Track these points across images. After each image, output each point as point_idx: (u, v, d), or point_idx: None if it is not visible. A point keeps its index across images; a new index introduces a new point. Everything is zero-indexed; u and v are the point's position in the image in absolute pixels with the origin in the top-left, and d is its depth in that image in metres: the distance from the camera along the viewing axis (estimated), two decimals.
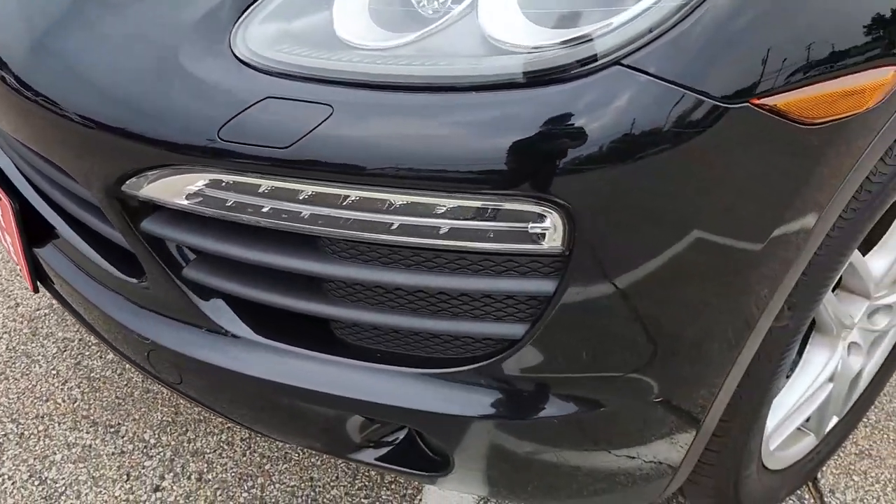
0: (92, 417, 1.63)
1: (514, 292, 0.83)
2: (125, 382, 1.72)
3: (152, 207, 0.93)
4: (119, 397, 1.68)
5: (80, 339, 1.84)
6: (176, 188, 0.87)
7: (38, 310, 1.91)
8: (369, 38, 0.82)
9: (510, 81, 0.76)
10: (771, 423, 1.24)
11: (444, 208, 0.79)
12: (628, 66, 0.73)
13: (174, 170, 0.85)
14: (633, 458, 1.01)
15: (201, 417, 1.64)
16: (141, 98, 0.85)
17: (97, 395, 1.69)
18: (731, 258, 0.84)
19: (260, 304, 0.94)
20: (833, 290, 1.28)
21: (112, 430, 1.60)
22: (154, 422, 1.62)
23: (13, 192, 1.18)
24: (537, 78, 0.75)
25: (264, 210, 0.85)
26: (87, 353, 1.79)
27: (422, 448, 1.00)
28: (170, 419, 1.63)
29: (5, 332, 1.83)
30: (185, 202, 0.88)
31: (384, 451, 1.01)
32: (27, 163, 1.17)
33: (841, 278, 1.27)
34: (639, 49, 0.73)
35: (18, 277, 2.01)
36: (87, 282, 1.12)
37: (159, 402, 1.67)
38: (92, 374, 1.74)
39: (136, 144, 0.85)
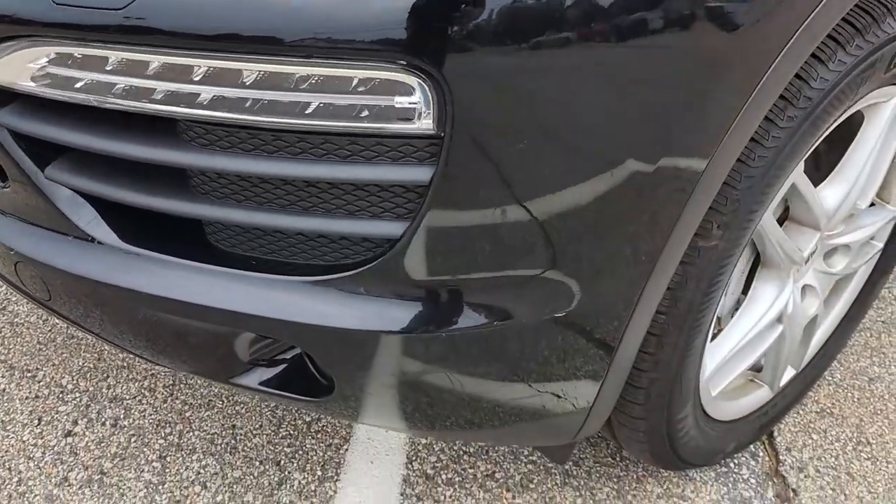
0: (10, 362, 1.54)
1: (387, 181, 0.74)
2: (49, 329, 1.63)
3: (7, 98, 0.84)
4: (41, 342, 1.60)
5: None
6: (20, 68, 0.78)
7: None
8: None
9: None
10: (710, 362, 1.15)
11: (307, 81, 0.70)
12: None
13: (11, 46, 0.76)
14: (539, 387, 0.91)
15: (125, 364, 1.55)
16: None
17: (18, 339, 1.60)
18: (630, 156, 0.75)
19: (127, 207, 0.85)
20: (782, 224, 1.19)
21: (29, 374, 1.52)
22: (74, 367, 1.53)
23: None
24: None
25: (117, 89, 0.76)
26: (14, 300, 1.71)
27: (310, 371, 0.91)
28: (91, 365, 1.54)
29: None
30: (32, 85, 0.79)
31: (270, 374, 0.92)
32: None
33: (788, 209, 1.17)
34: None
35: None
36: None
37: (82, 348, 1.58)
38: (16, 320, 1.65)
39: None
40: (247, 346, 0.91)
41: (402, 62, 0.66)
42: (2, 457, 1.35)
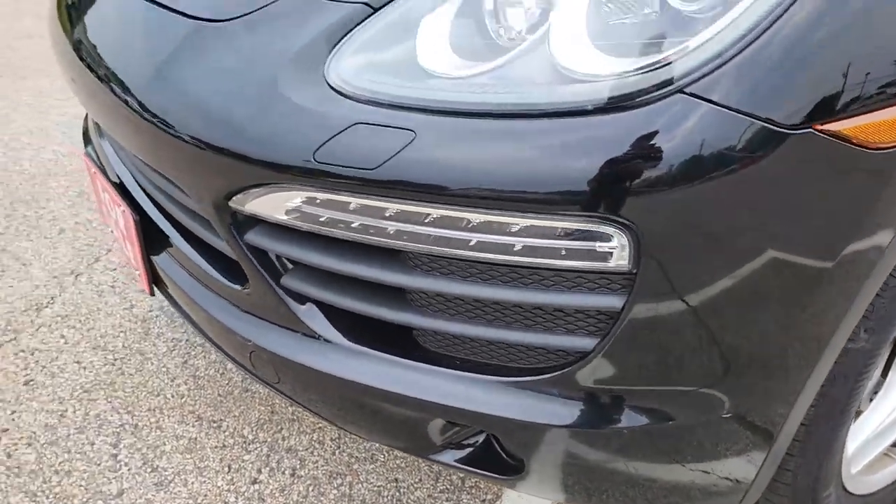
0: (197, 412, 1.76)
1: (584, 307, 0.88)
2: (226, 381, 1.85)
3: (256, 221, 1.03)
4: (221, 395, 1.81)
5: (186, 340, 1.98)
6: (276, 204, 0.97)
7: (150, 311, 2.08)
8: (449, 68, 0.89)
9: (579, 108, 0.81)
10: (852, 444, 1.23)
11: (518, 227, 0.84)
12: (691, 94, 0.77)
13: (275, 188, 0.95)
14: (705, 472, 1.03)
15: (294, 417, 1.74)
16: (246, 122, 0.95)
17: (202, 392, 1.82)
18: (800, 277, 0.86)
19: (350, 311, 1.03)
20: None
21: (215, 424, 1.73)
22: (252, 419, 1.74)
23: (134, 205, 1.32)
24: (605, 105, 0.80)
25: (354, 225, 0.93)
26: (193, 353, 1.94)
27: (499, 452, 1.05)
28: (266, 417, 1.74)
29: (122, 331, 2.00)
30: (284, 217, 0.97)
31: (463, 453, 1.07)
32: (145, 177, 1.30)
33: None
34: (702, 77, 0.77)
35: (133, 281, 2.19)
36: (196, 286, 1.23)
37: (256, 400, 1.79)
38: (197, 373, 1.88)
39: (242, 164, 0.94)
40: (440, 430, 1.06)
41: (604, 217, 0.80)
42: (203, 500, 1.55)
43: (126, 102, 1.08)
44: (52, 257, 2.29)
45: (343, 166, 0.88)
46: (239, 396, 1.80)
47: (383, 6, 0.92)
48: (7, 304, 2.10)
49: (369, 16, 0.93)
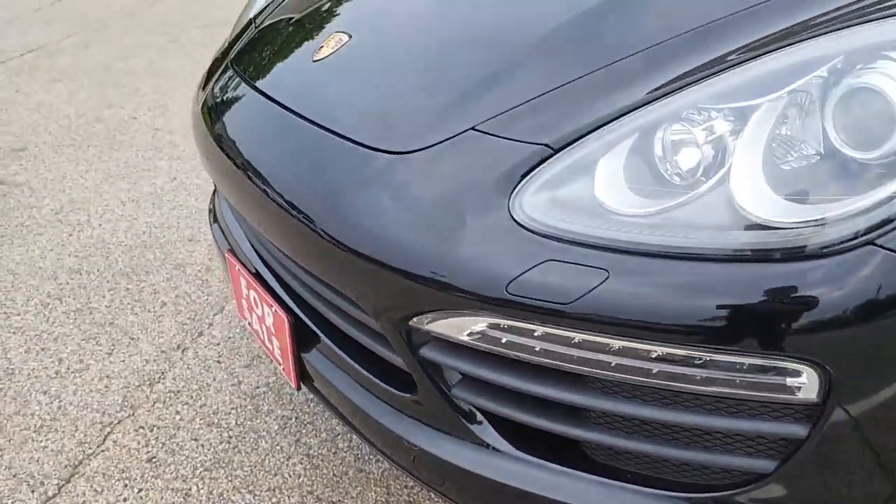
0: (316, 493, 1.82)
1: (767, 434, 0.93)
2: (339, 461, 1.91)
3: (432, 336, 1.10)
4: (336, 475, 1.87)
5: (296, 418, 2.06)
6: (459, 327, 1.04)
7: (257, 388, 2.16)
8: (629, 207, 0.97)
9: (766, 254, 0.88)
10: None
11: (704, 360, 0.91)
12: (881, 246, 0.83)
13: (462, 313, 1.02)
14: None
15: (411, 499, 1.80)
16: (435, 251, 1.03)
17: (317, 471, 1.89)
18: None
19: (520, 422, 1.09)
20: None
21: None
22: (370, 500, 1.79)
23: (286, 307, 1.40)
24: (793, 253, 0.86)
25: (536, 349, 1.00)
26: (305, 432, 2.01)
27: None
28: (383, 499, 1.80)
29: (233, 408, 2.08)
30: (466, 338, 1.04)
31: None
32: (297, 278, 1.38)
33: None
34: (889, 231, 0.84)
35: (237, 355, 2.28)
36: (353, 387, 1.30)
37: (372, 482, 1.85)
38: (311, 452, 1.94)
39: (433, 291, 1.02)
40: None
41: (794, 357, 0.86)
42: None
43: (303, 222, 1.16)
44: (157, 331, 2.39)
45: (536, 299, 0.95)
46: (354, 477, 1.86)
47: (563, 148, 1.01)
48: (122, 378, 2.19)
49: (550, 156, 1.01)
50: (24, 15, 6.49)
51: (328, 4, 1.59)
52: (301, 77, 1.36)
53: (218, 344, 2.33)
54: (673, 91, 0.98)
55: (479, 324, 1.02)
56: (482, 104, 1.10)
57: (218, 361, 2.26)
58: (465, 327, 1.03)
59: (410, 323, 1.08)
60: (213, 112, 1.53)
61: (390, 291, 1.08)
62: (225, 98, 1.51)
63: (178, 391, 2.14)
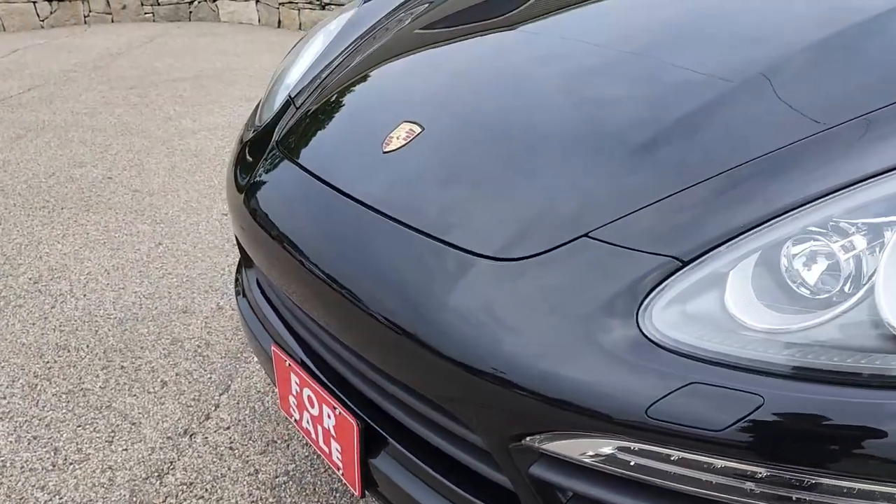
0: None
1: None
2: None
3: (542, 453, 1.04)
4: None
5: None
6: (580, 448, 0.98)
7: (276, 477, 2.04)
8: (766, 322, 0.93)
9: None
10: None
11: (857, 491, 0.87)
12: None
13: (586, 434, 0.96)
14: None
15: None
16: (562, 369, 0.96)
17: None
18: None
19: None
20: None
21: None
22: None
23: (354, 413, 1.32)
24: None
25: (670, 473, 0.94)
26: None
27: None
28: None
29: (252, 501, 1.96)
30: (588, 460, 0.98)
31: None
32: (377, 387, 1.30)
33: None
34: None
35: (250, 440, 2.15)
36: (430, 494, 1.21)
37: None
38: None
39: (556, 411, 0.96)
40: None
41: None
42: None
43: (397, 331, 1.09)
44: (161, 415, 2.25)
45: (682, 425, 0.90)
46: None
47: (692, 260, 0.97)
48: (126, 470, 2.05)
49: (679, 269, 0.97)
50: None
51: (385, 87, 1.54)
52: (373, 170, 1.30)
53: (228, 428, 2.20)
54: (804, 203, 0.96)
55: (607, 446, 0.96)
56: (592, 208, 1.06)
57: (230, 448, 2.13)
58: (587, 448, 0.97)
59: (522, 442, 1.01)
60: (262, 201, 1.45)
61: (502, 409, 1.01)
62: (277, 186, 1.44)
63: (192, 483, 2.00)
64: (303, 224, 1.33)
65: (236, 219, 1.56)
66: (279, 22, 7.91)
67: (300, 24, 7.75)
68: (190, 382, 2.40)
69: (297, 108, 1.67)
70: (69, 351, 2.54)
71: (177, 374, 2.43)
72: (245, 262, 1.79)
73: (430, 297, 1.08)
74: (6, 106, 5.25)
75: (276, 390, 1.59)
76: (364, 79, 1.60)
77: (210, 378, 2.41)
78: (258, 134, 1.71)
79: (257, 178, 1.52)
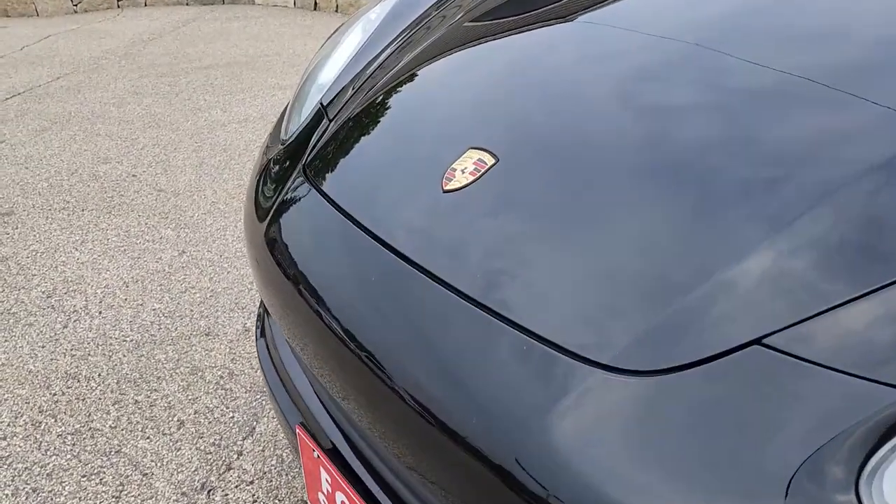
0: None
1: None
2: None
3: None
4: None
5: None
6: None
7: None
8: None
9: None
10: None
11: None
12: None
13: None
14: None
15: None
16: None
17: None
18: None
19: None
20: None
21: None
22: None
23: None
24: None
25: None
26: None
27: None
28: None
29: None
30: None
31: None
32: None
33: None
34: None
35: (276, 499, 1.86)
36: None
37: None
38: None
39: None
40: None
41: None
42: None
43: (474, 453, 0.78)
44: (176, 463, 1.97)
45: None
46: None
47: None
48: None
49: None
50: (8, 54, 6.08)
51: (441, 99, 1.19)
52: (431, 217, 0.97)
53: (251, 482, 1.91)
54: None
55: None
56: (761, 304, 0.71)
57: None
58: None
59: None
60: (286, 241, 1.14)
61: None
62: (305, 226, 1.13)
63: None
64: (332, 282, 1.02)
65: (252, 250, 1.25)
66: (315, 4, 7.59)
67: (337, 6, 7.42)
68: (210, 423, 2.11)
69: (331, 121, 1.34)
70: (79, 381, 2.28)
71: (196, 412, 2.15)
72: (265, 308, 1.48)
73: (524, 420, 0.74)
74: (33, 96, 5.03)
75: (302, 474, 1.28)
76: (413, 86, 1.25)
77: (233, 418, 2.12)
78: (284, 150, 1.39)
79: (280, 209, 1.20)
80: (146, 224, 3.25)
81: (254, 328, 2.50)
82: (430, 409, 0.82)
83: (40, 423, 2.12)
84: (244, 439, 2.05)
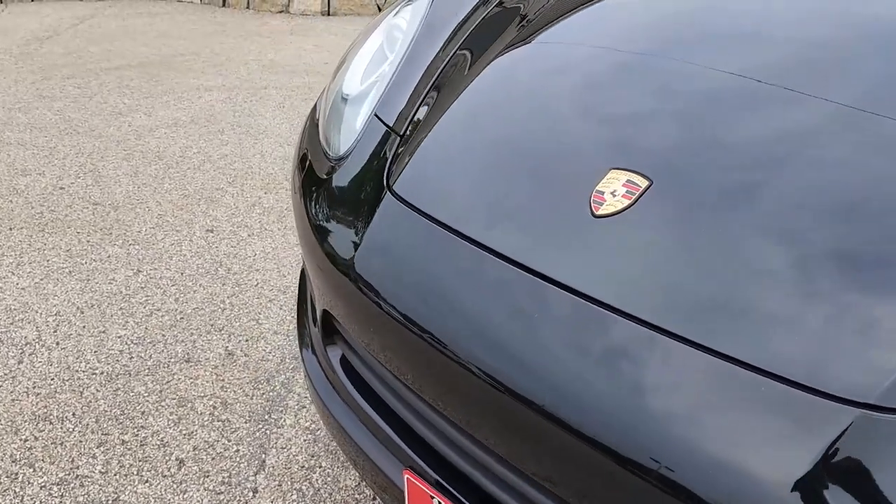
0: None
1: None
2: None
3: None
4: None
5: None
6: None
7: None
8: None
9: None
10: None
11: None
12: None
13: None
14: None
15: None
16: None
17: None
18: None
19: None
20: None
21: None
22: None
23: None
24: None
25: None
26: None
27: None
28: None
29: None
30: None
31: None
32: None
33: None
34: None
35: None
36: None
37: None
38: None
39: None
40: None
41: None
42: None
43: None
44: None
45: None
46: None
47: None
48: None
49: None
50: None
51: (553, 111, 1.11)
52: (587, 243, 0.90)
53: None
54: None
55: None
56: None
57: None
58: None
59: None
60: (396, 274, 1.04)
61: None
62: (418, 254, 1.03)
63: None
64: (476, 318, 0.93)
65: (342, 285, 1.14)
66: (224, 0, 7.25)
67: (248, 2, 7.13)
68: (213, 459, 1.95)
69: (402, 135, 1.24)
70: (51, 423, 2.05)
71: (194, 449, 1.98)
72: (324, 333, 1.36)
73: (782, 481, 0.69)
74: None
75: None
76: (511, 97, 1.17)
77: (237, 451, 1.97)
78: (343, 169, 1.28)
79: (376, 238, 1.10)
80: (88, 241, 2.98)
81: (238, 350, 2.34)
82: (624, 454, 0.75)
83: (16, 474, 1.89)
84: (256, 474, 1.90)
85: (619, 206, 0.91)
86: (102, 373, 2.25)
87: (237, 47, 5.74)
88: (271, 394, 2.17)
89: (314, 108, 1.69)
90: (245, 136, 4.03)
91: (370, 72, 1.59)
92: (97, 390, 2.18)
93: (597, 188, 0.94)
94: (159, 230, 3.07)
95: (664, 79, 1.07)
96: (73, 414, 2.09)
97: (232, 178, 3.54)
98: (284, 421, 2.07)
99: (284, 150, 3.85)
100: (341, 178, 1.28)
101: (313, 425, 2.04)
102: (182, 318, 2.51)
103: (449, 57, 1.38)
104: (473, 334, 0.93)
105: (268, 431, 2.03)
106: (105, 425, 2.05)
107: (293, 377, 2.24)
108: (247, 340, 2.40)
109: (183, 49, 5.73)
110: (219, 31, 6.27)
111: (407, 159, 1.18)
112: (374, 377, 1.24)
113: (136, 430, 2.03)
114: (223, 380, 2.22)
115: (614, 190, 0.93)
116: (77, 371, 2.26)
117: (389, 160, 1.21)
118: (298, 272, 2.77)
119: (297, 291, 2.50)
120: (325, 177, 1.32)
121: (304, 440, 1.99)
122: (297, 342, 2.36)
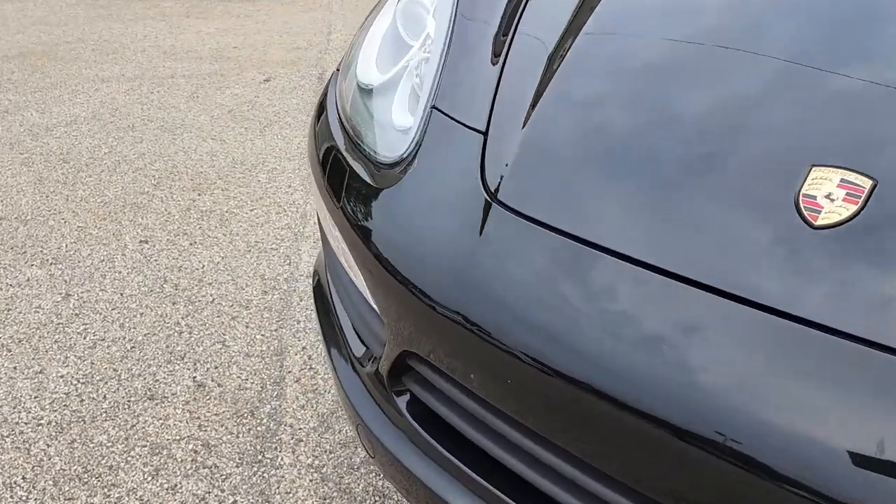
0: None
1: None
2: None
3: None
4: None
5: None
6: None
7: None
8: None
9: None
10: None
11: None
12: None
13: None
14: None
15: None
16: None
17: None
18: None
19: None
20: None
21: None
22: None
23: None
24: None
25: None
26: None
27: None
28: None
29: None
30: None
31: None
32: None
33: None
34: None
35: None
36: None
37: None
38: None
39: None
40: None
41: None
42: None
43: None
44: None
45: None
46: None
47: None
48: None
49: None
50: None
51: (702, 99, 0.91)
52: (808, 264, 0.72)
53: None
54: None
55: None
56: None
57: None
58: None
59: None
60: (520, 300, 0.83)
61: None
62: (553, 275, 0.83)
63: None
64: (633, 352, 0.74)
65: (440, 333, 0.92)
66: None
67: None
68: None
69: (486, 133, 1.02)
70: (1, 489, 1.71)
71: None
72: (391, 377, 1.12)
73: None
74: None
75: None
76: (632, 72, 0.96)
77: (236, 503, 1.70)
78: (411, 177, 1.05)
79: (489, 256, 0.88)
80: (70, 273, 2.54)
81: (208, 379, 2.04)
82: None
83: None
84: None
85: (845, 214, 0.74)
86: (50, 422, 1.90)
87: (129, 32, 5.21)
88: (259, 428, 1.89)
89: (321, 105, 1.44)
90: (160, 131, 3.63)
91: (385, 57, 1.36)
92: (47, 445, 1.84)
93: (803, 192, 0.76)
94: (83, 245, 2.68)
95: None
96: (24, 478, 1.75)
97: (156, 179, 3.16)
98: (282, 460, 1.80)
99: (210, 145, 3.48)
100: (408, 189, 1.05)
101: (316, 461, 1.79)
102: (133, 347, 2.18)
103: (511, 37, 1.16)
104: (659, 392, 0.74)
105: (266, 475, 1.77)
106: (66, 488, 1.72)
107: (280, 406, 1.97)
108: (216, 367, 2.10)
109: (67, 36, 5.15)
110: (104, 16, 5.69)
111: (507, 162, 0.97)
112: (469, 423, 1.03)
113: (105, 489, 1.72)
114: (199, 417, 1.93)
115: (829, 193, 0.76)
116: (17, 424, 1.90)
117: (479, 163, 0.99)
118: (258, 284, 2.49)
119: (271, 308, 2.21)
120: (377, 186, 1.09)
121: (311, 481, 1.75)
122: (275, 362, 2.09)
